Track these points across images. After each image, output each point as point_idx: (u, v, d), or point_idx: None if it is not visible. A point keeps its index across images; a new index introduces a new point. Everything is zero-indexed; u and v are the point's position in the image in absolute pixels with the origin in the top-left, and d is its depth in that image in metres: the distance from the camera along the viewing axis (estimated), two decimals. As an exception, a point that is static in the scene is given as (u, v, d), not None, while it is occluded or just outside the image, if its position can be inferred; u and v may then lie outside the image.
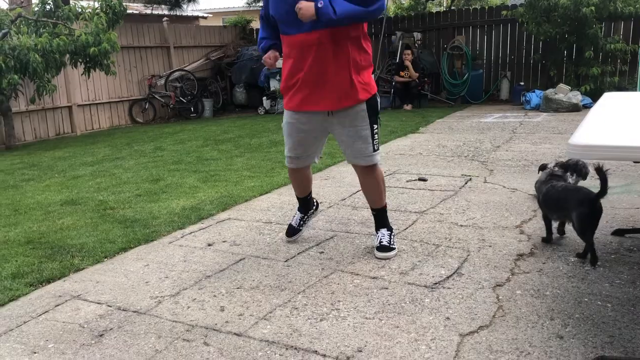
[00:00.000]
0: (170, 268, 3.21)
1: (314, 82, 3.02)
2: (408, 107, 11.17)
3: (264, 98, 11.92)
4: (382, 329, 2.38)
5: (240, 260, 3.26)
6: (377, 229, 3.32)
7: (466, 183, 4.83)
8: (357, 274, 2.97)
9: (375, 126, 3.14)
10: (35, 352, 2.35)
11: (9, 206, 4.88)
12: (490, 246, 3.27)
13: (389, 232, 3.29)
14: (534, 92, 10.28)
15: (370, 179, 3.24)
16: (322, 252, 3.31)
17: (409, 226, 3.72)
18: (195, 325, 2.50)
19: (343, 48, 2.97)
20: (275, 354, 2.23)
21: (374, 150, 3.14)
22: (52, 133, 10.15)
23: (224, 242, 3.61)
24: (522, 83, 11.46)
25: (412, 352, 2.19)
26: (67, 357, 2.29)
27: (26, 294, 2.96)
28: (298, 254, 3.31)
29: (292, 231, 3.56)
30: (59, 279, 3.14)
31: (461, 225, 3.67)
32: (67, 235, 3.89)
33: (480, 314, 2.47)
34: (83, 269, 3.27)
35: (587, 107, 9.42)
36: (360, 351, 2.21)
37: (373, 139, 3.13)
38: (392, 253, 3.19)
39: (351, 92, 3.03)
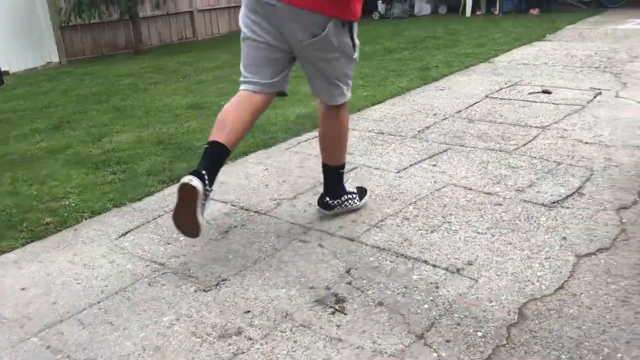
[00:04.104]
0: (287, 173, 3.36)
1: None
2: (535, 11, 10.35)
3: (379, 1, 11.53)
4: (494, 245, 2.38)
5: (353, 169, 3.33)
6: None
7: (595, 97, 4.49)
8: (470, 189, 2.94)
9: None
10: (169, 243, 2.61)
11: (141, 108, 5.26)
12: (616, 166, 3.08)
13: None
14: (686, -7, 9.08)
15: None
16: (435, 165, 3.30)
17: (529, 142, 3.57)
18: (311, 228, 2.64)
19: None
20: (386, 260, 2.32)
21: None
22: (175, 38, 10.59)
23: (337, 150, 3.69)
24: (672, -17, 10.12)
25: (524, 269, 2.18)
26: (197, 249, 2.54)
27: (159, 190, 3.25)
28: (410, 166, 3.32)
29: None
30: (187, 178, 3.39)
31: (586, 143, 3.47)
32: (194, 137, 4.16)
33: (601, 236, 2.38)
34: (208, 170, 3.50)
35: None
36: (471, 264, 2.24)
37: None
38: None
39: None
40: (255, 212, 2.87)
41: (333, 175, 2.68)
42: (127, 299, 2.20)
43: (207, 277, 2.30)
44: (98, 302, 2.19)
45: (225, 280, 2.27)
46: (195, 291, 2.21)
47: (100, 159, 3.82)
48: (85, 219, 2.95)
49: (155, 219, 2.89)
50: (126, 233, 2.76)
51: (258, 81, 2.41)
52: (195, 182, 2.15)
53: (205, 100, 5.40)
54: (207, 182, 2.20)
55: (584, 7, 10.60)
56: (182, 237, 2.65)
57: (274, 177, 3.31)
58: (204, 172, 2.20)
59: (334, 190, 2.70)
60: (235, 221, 2.78)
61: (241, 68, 2.47)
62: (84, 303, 2.19)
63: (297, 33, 2.24)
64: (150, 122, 4.74)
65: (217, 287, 2.23)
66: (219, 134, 2.32)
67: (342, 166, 2.68)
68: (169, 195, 3.16)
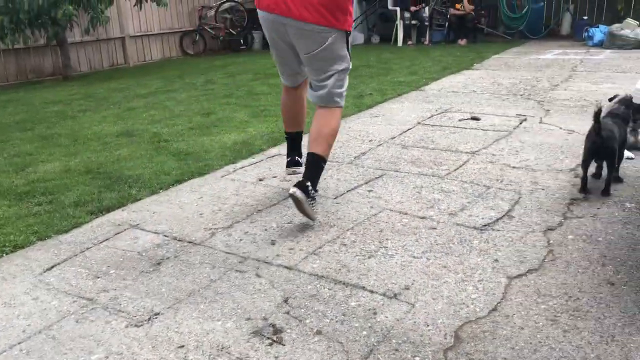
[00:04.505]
0: (223, 201, 3.30)
1: None
2: (463, 42, 10.80)
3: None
4: (429, 269, 2.41)
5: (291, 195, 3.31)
6: None
7: (521, 123, 4.69)
8: (405, 213, 2.98)
9: None
10: (98, 277, 2.49)
11: (68, 136, 5.06)
12: (542, 189, 3.22)
13: None
14: (597, 27, 9.75)
15: None
16: (371, 191, 3.33)
17: (460, 167, 3.67)
18: (248, 258, 2.59)
19: None
20: (324, 287, 2.30)
21: None
22: (106, 64, 10.34)
23: (274, 177, 3.67)
24: (585, 17, 10.87)
25: (459, 292, 2.22)
26: (128, 283, 2.43)
27: (87, 222, 3.11)
28: (347, 191, 3.34)
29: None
30: (118, 208, 3.28)
31: (513, 167, 3.60)
32: (124, 166, 4.03)
33: (530, 257, 2.46)
34: (140, 199, 3.40)
35: (655, 44, 8.89)
36: (408, 289, 2.25)
37: None
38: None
39: None
40: (189, 242, 2.79)
41: (317, 166, 2.91)
42: (52, 337, 2.07)
43: (139, 312, 2.20)
44: (19, 343, 2.05)
45: (158, 314, 2.18)
46: (126, 327, 2.11)
47: (24, 190, 3.63)
48: (7, 254, 2.77)
49: (83, 251, 2.76)
50: (52, 267, 2.61)
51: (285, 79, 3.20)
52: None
53: (136, 127, 5.27)
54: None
55: (508, 38, 11.16)
56: (111, 271, 2.54)
57: (208, 206, 3.24)
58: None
59: (314, 181, 2.86)
60: (168, 252, 2.70)
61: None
62: (4, 344, 2.05)
63: (303, 47, 2.84)
64: (78, 150, 4.56)
65: (150, 321, 2.13)
66: (285, 126, 3.41)
67: (325, 162, 2.97)
68: (98, 227, 3.03)
